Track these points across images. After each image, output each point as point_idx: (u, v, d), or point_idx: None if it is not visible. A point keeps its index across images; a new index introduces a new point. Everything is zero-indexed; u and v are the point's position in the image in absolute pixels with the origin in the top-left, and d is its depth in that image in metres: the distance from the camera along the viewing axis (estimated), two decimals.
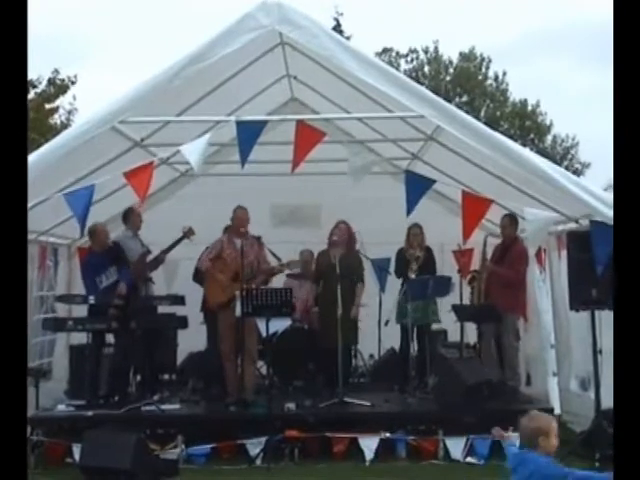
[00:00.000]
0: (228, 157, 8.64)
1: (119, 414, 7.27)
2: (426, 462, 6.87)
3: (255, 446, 6.90)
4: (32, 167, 5.59)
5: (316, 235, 8.75)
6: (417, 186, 6.88)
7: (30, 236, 7.58)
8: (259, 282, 7.90)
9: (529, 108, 32.21)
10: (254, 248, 7.86)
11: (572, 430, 7.55)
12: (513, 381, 8.04)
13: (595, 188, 6.64)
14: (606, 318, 6.66)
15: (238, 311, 7.39)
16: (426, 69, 33.04)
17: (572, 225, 7.37)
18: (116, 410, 7.36)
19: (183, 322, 8.05)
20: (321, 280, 8.50)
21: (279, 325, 7.58)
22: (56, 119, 20.95)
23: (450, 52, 32.74)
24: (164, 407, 7.48)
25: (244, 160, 6.45)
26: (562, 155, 32.47)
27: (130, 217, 8.35)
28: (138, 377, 8.37)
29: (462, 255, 8.93)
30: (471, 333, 8.71)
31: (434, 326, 8.86)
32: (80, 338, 8.30)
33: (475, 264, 8.75)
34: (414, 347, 8.31)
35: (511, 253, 8.13)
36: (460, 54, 32.83)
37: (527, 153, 6.82)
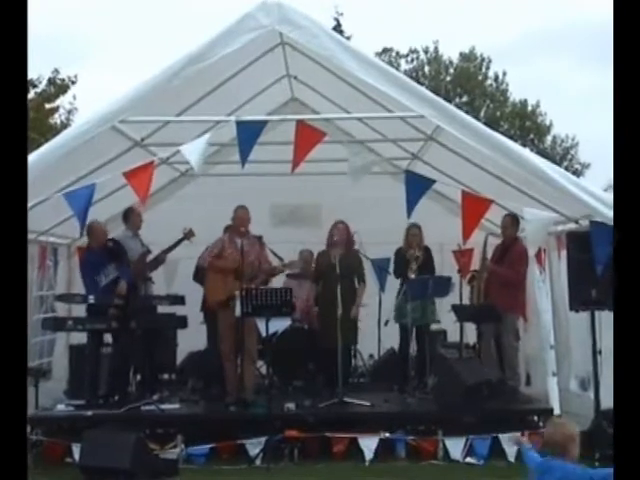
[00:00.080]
0: (228, 157, 8.64)
1: (119, 414, 7.27)
2: (425, 462, 6.87)
3: (255, 446, 6.90)
4: (32, 167, 5.59)
5: (316, 235, 8.74)
6: (417, 186, 6.89)
7: (30, 236, 7.58)
8: (260, 282, 7.90)
9: (529, 108, 32.22)
10: (255, 248, 7.86)
11: None
12: (513, 381, 8.04)
13: (595, 188, 6.65)
14: (606, 318, 6.66)
15: (238, 311, 7.39)
16: (426, 69, 33.05)
17: (572, 225, 7.38)
18: (116, 410, 7.36)
19: (183, 322, 8.05)
20: (320, 280, 8.50)
21: (279, 325, 7.58)
22: (56, 119, 20.96)
23: (450, 52, 32.81)
24: (164, 407, 7.48)
25: (244, 160, 6.45)
26: (562, 155, 32.48)
27: (130, 217, 8.35)
28: (138, 377, 8.37)
29: (462, 255, 8.93)
30: (471, 333, 8.71)
31: (434, 326, 8.86)
32: (80, 338, 8.30)
33: (475, 264, 8.75)
34: (413, 347, 8.30)
35: (511, 253, 8.13)
36: (460, 54, 32.86)
37: (527, 153, 6.82)
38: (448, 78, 32.63)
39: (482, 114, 30.79)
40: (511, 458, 6.88)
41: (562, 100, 38.96)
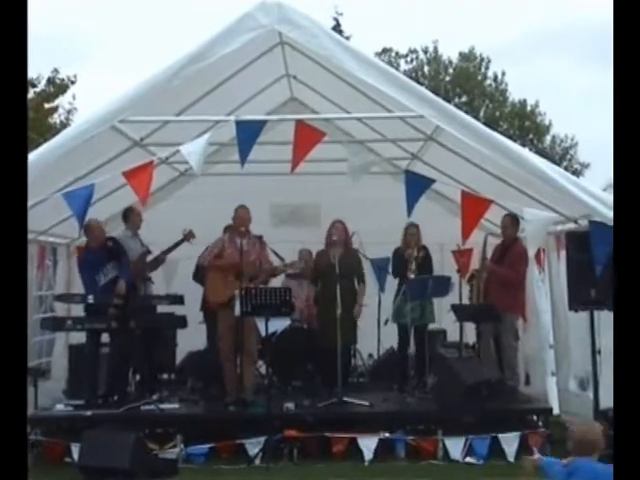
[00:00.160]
0: (228, 157, 8.64)
1: (118, 414, 7.27)
2: (425, 462, 6.88)
3: (254, 446, 6.90)
4: (31, 167, 5.58)
5: (315, 235, 8.74)
6: (417, 185, 6.89)
7: (29, 236, 7.57)
8: (260, 282, 7.90)
9: (528, 108, 32.23)
10: (256, 248, 7.86)
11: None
12: (512, 381, 8.04)
13: (594, 188, 6.65)
14: (605, 318, 6.67)
15: (237, 310, 7.39)
16: (425, 69, 33.04)
17: (571, 225, 7.38)
18: (115, 410, 7.35)
19: (182, 322, 8.05)
20: (319, 280, 8.50)
21: (278, 325, 7.58)
22: (55, 119, 20.96)
23: (450, 52, 32.80)
24: (163, 406, 7.48)
25: (244, 160, 6.45)
26: (561, 155, 32.47)
27: (130, 216, 8.35)
28: (137, 377, 8.37)
29: (461, 255, 8.93)
30: (470, 333, 8.71)
31: (433, 326, 8.86)
32: (79, 338, 8.30)
33: (474, 264, 8.76)
34: (412, 347, 8.30)
35: (511, 253, 8.13)
36: (460, 54, 32.86)
37: (526, 153, 6.82)
38: (447, 78, 32.62)
39: (481, 114, 30.79)
40: (510, 458, 6.88)
41: (561, 100, 38.99)
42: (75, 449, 6.73)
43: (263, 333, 7.36)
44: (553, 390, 8.10)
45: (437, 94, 7.45)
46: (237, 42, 6.39)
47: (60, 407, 7.61)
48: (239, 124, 6.51)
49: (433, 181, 7.16)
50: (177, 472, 6.60)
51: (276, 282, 8.76)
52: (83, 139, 6.39)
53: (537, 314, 8.24)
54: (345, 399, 7.55)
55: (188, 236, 8.41)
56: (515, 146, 6.76)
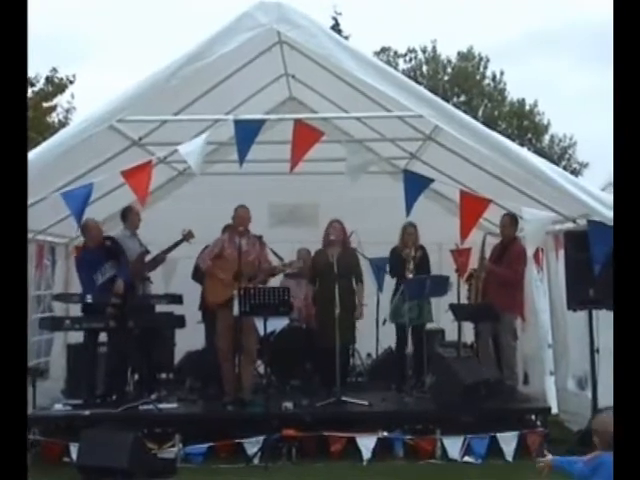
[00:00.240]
0: (226, 156, 8.63)
1: (116, 413, 7.27)
2: (423, 461, 6.88)
3: (252, 445, 6.90)
4: (30, 166, 5.55)
5: (314, 234, 8.74)
6: (415, 185, 6.89)
7: (28, 235, 7.57)
8: (259, 281, 7.90)
9: (527, 108, 32.25)
10: (255, 247, 7.86)
11: (569, 429, 7.57)
12: (510, 380, 8.05)
13: (593, 188, 6.65)
14: (603, 317, 6.68)
15: (236, 310, 7.39)
16: (424, 69, 33.06)
17: (569, 225, 7.39)
18: (113, 409, 7.35)
19: (181, 321, 8.04)
20: (318, 279, 8.50)
21: (277, 324, 7.58)
22: (54, 118, 20.96)
23: (448, 52, 32.82)
24: (161, 406, 7.47)
25: (242, 159, 6.45)
26: (560, 155, 32.49)
27: (129, 216, 8.34)
28: (135, 376, 8.36)
29: (460, 255, 8.94)
30: (469, 332, 8.72)
31: (432, 325, 8.87)
32: (77, 337, 8.29)
33: (473, 263, 8.76)
34: (410, 347, 8.30)
35: (510, 253, 8.14)
36: (458, 53, 32.87)
37: (525, 153, 6.82)
38: (446, 77, 32.64)
39: (480, 113, 30.80)
40: (509, 457, 6.89)
41: (560, 100, 38.99)
42: (73, 449, 6.72)
43: (262, 333, 7.36)
44: (551, 389, 8.13)
45: (436, 94, 7.45)
46: (236, 41, 6.39)
47: (58, 407, 7.60)
48: (238, 123, 6.51)
49: (432, 180, 7.16)
50: (175, 472, 6.60)
51: (275, 282, 8.76)
52: (81, 138, 6.38)
53: (536, 313, 8.25)
54: (343, 399, 7.55)
55: (187, 236, 8.41)
56: (514, 146, 6.76)
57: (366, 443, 6.93)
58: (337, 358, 7.77)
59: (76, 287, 8.35)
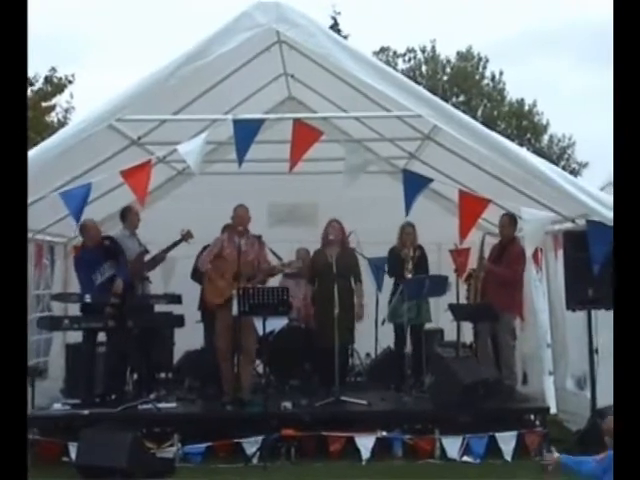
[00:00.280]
0: (225, 156, 8.63)
1: (115, 413, 7.26)
2: (422, 461, 6.88)
3: (251, 445, 6.89)
4: (28, 165, 5.57)
5: (313, 234, 8.73)
6: (414, 184, 6.89)
7: None
8: (258, 281, 7.90)
9: (526, 108, 32.26)
10: (255, 247, 7.85)
11: (568, 429, 7.58)
12: (509, 380, 8.04)
13: (592, 188, 6.66)
14: (602, 317, 6.68)
15: (235, 310, 7.38)
16: (423, 69, 33.06)
17: (569, 225, 7.39)
18: (112, 409, 7.34)
19: (180, 321, 8.04)
20: (316, 279, 8.50)
21: (276, 324, 7.58)
22: (53, 117, 20.94)
23: (448, 51, 32.82)
24: (160, 406, 7.47)
25: (241, 159, 6.45)
26: (559, 155, 32.50)
27: (128, 216, 8.33)
28: (134, 376, 8.36)
29: (459, 254, 8.94)
30: (467, 332, 8.72)
31: (431, 325, 8.87)
32: (76, 337, 8.28)
33: (472, 263, 8.76)
34: (409, 347, 8.29)
35: (509, 253, 8.13)
36: (457, 53, 32.88)
37: (524, 153, 6.83)
38: (445, 77, 32.64)
39: (479, 113, 30.81)
40: (507, 457, 6.89)
41: (559, 99, 39.00)
42: (72, 448, 6.72)
43: (261, 332, 7.36)
44: (550, 389, 8.12)
45: (435, 93, 7.46)
46: (235, 41, 6.39)
47: (57, 406, 7.60)
48: (237, 123, 6.51)
49: (431, 180, 7.16)
50: (174, 471, 6.60)
51: (274, 281, 8.76)
52: (80, 138, 6.39)
53: (535, 313, 8.25)
54: (342, 398, 7.55)
55: (186, 236, 8.40)
56: (513, 146, 6.76)
57: (365, 443, 6.93)
58: (336, 358, 7.76)
59: (75, 287, 8.34)
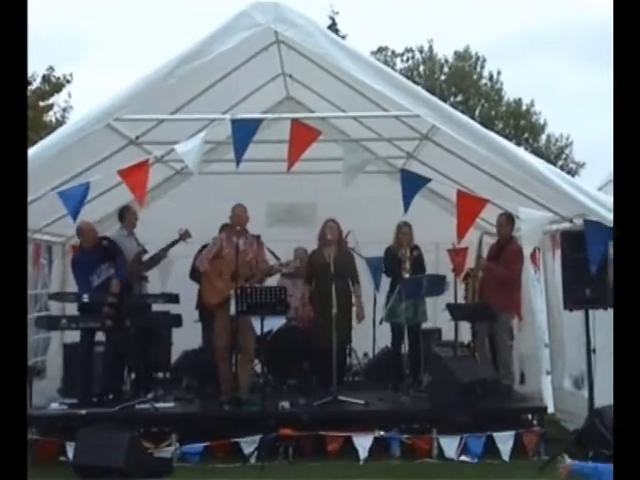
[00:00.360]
0: (223, 155, 8.63)
1: (113, 412, 7.26)
2: (420, 461, 6.87)
3: (249, 444, 6.89)
4: None
5: (311, 234, 8.73)
6: (412, 184, 6.89)
7: None
8: (256, 281, 7.90)
9: (523, 107, 32.29)
10: (253, 247, 7.85)
11: (565, 428, 7.59)
12: (507, 380, 8.05)
13: (590, 188, 6.67)
14: (600, 317, 6.69)
15: (233, 309, 7.38)
16: (421, 68, 33.08)
17: (566, 224, 7.40)
18: (110, 408, 7.34)
19: (177, 320, 8.04)
20: (314, 279, 8.50)
21: (273, 324, 7.58)
22: (51, 116, 20.94)
23: (445, 51, 32.84)
24: (158, 405, 7.47)
25: (239, 159, 6.44)
26: (556, 155, 32.53)
27: (126, 215, 8.33)
28: (132, 375, 8.35)
29: (457, 254, 8.94)
30: (465, 332, 8.72)
31: (428, 325, 8.87)
32: (74, 336, 8.28)
33: (470, 263, 8.76)
34: (406, 346, 8.29)
35: (506, 252, 8.14)
36: (455, 53, 32.91)
37: (522, 153, 6.83)
38: (443, 77, 32.66)
39: (477, 113, 30.84)
40: (505, 457, 6.89)
41: (557, 99, 39.05)
42: (70, 448, 6.71)
43: (258, 332, 7.36)
44: (548, 389, 8.13)
45: (433, 93, 7.46)
46: (233, 40, 6.38)
47: (55, 406, 7.60)
48: (235, 123, 6.50)
49: (429, 180, 7.16)
50: (172, 471, 6.60)
51: (271, 281, 8.76)
52: (78, 137, 6.38)
53: (532, 313, 8.25)
54: (340, 398, 7.55)
55: (184, 235, 8.40)
56: (511, 146, 6.76)
57: (363, 442, 6.93)
58: (334, 357, 7.77)
59: (72, 286, 8.34)
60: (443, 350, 9.00)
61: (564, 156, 32.92)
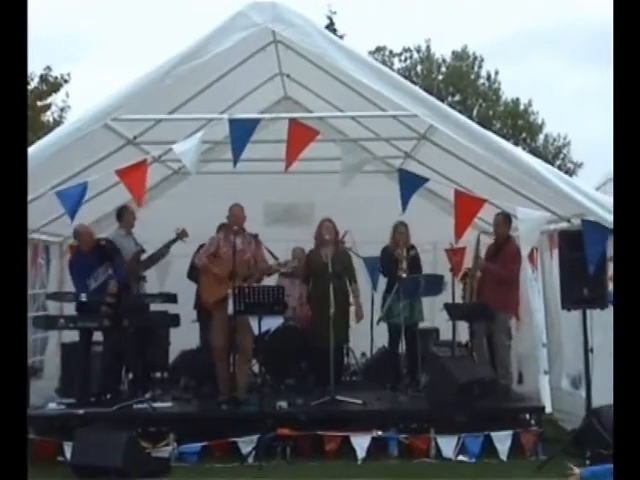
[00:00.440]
0: (221, 155, 8.63)
1: (111, 412, 7.25)
2: (418, 460, 6.87)
3: (247, 444, 6.89)
4: None
5: (309, 233, 8.73)
6: (410, 183, 6.90)
7: None
8: (254, 280, 7.89)
9: (521, 107, 32.31)
10: (251, 246, 7.85)
11: (563, 428, 7.59)
12: (505, 380, 8.05)
13: (587, 188, 6.68)
14: (597, 317, 6.70)
15: (230, 309, 7.38)
16: (418, 68, 33.09)
17: (564, 224, 7.40)
18: (108, 408, 7.33)
19: (175, 320, 8.04)
20: (311, 279, 8.50)
21: (271, 323, 7.58)
22: (48, 116, 20.91)
23: (443, 51, 32.86)
24: (156, 405, 7.46)
25: (237, 158, 6.44)
26: (554, 154, 32.57)
27: (124, 215, 8.32)
28: (130, 375, 8.34)
29: (454, 254, 8.94)
30: (463, 332, 8.72)
31: (426, 324, 8.87)
32: (72, 336, 8.29)
33: (468, 263, 8.76)
34: (403, 346, 8.29)
35: (504, 252, 8.15)
36: (453, 53, 32.91)
37: (520, 153, 6.84)
38: (440, 77, 32.67)
39: (474, 113, 30.85)
40: (503, 456, 6.90)
41: (554, 99, 39.14)
42: (67, 448, 6.71)
43: (256, 332, 7.36)
44: (546, 389, 8.13)
45: (430, 93, 7.46)
46: (230, 40, 6.39)
47: (52, 406, 7.59)
48: (232, 122, 6.50)
49: (427, 180, 7.16)
50: (170, 471, 6.59)
51: (269, 281, 8.75)
52: (76, 137, 6.38)
53: (530, 313, 8.26)
54: (338, 397, 7.55)
55: (181, 235, 8.39)
56: (509, 145, 6.77)
57: (360, 442, 6.93)
58: (331, 357, 7.77)
59: (70, 286, 8.33)
60: (441, 350, 9.00)
61: (562, 156, 32.96)
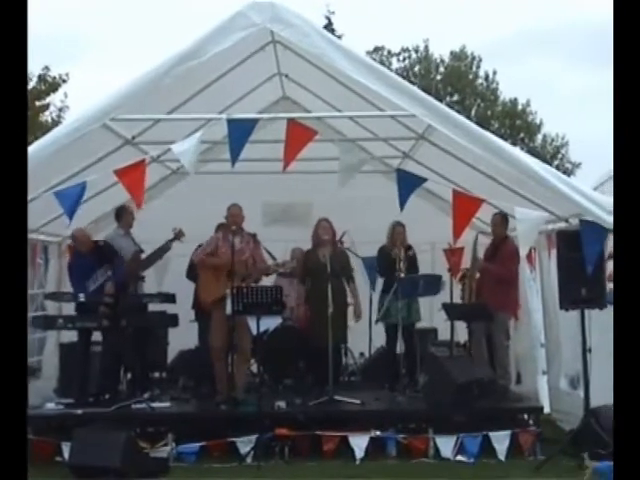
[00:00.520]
0: (219, 155, 8.62)
1: (109, 412, 7.25)
2: (416, 460, 6.87)
3: (245, 444, 6.89)
4: None
5: (307, 234, 8.72)
6: (408, 183, 6.90)
7: None
8: (253, 280, 7.89)
9: (519, 107, 32.33)
10: (250, 246, 7.85)
11: (561, 428, 7.60)
12: (503, 380, 8.06)
13: (585, 188, 6.68)
14: (595, 317, 6.70)
15: (229, 309, 7.38)
16: (416, 68, 33.10)
17: (562, 224, 7.41)
18: (106, 408, 7.33)
19: (174, 320, 8.04)
20: (309, 279, 8.49)
21: (269, 323, 7.58)
22: (47, 116, 20.88)
23: (441, 51, 32.88)
24: (154, 405, 7.46)
25: (235, 158, 6.45)
26: (552, 154, 32.60)
27: (123, 215, 8.32)
28: (128, 375, 8.34)
29: (452, 254, 8.94)
30: (461, 332, 8.72)
31: (424, 324, 8.87)
32: (70, 336, 8.28)
33: (466, 263, 8.76)
34: (401, 346, 8.29)
35: (502, 252, 8.15)
36: (451, 53, 32.93)
37: (518, 153, 6.84)
38: (438, 77, 32.68)
39: (473, 113, 30.87)
40: (501, 456, 6.90)
41: (552, 99, 39.19)
42: (66, 448, 6.70)
43: (254, 332, 7.35)
44: (544, 389, 8.14)
45: (428, 93, 7.46)
46: (229, 40, 6.39)
47: (51, 406, 7.59)
48: (231, 122, 6.51)
49: (425, 180, 7.17)
50: (168, 471, 6.59)
51: (267, 281, 8.76)
52: (74, 137, 6.38)
53: (528, 313, 8.27)
54: (336, 397, 7.55)
55: (178, 235, 8.39)
56: (507, 145, 6.77)
57: (359, 442, 6.93)
58: (330, 357, 7.77)
59: (69, 286, 8.33)
60: (439, 350, 9.00)
61: (560, 156, 33.00)
